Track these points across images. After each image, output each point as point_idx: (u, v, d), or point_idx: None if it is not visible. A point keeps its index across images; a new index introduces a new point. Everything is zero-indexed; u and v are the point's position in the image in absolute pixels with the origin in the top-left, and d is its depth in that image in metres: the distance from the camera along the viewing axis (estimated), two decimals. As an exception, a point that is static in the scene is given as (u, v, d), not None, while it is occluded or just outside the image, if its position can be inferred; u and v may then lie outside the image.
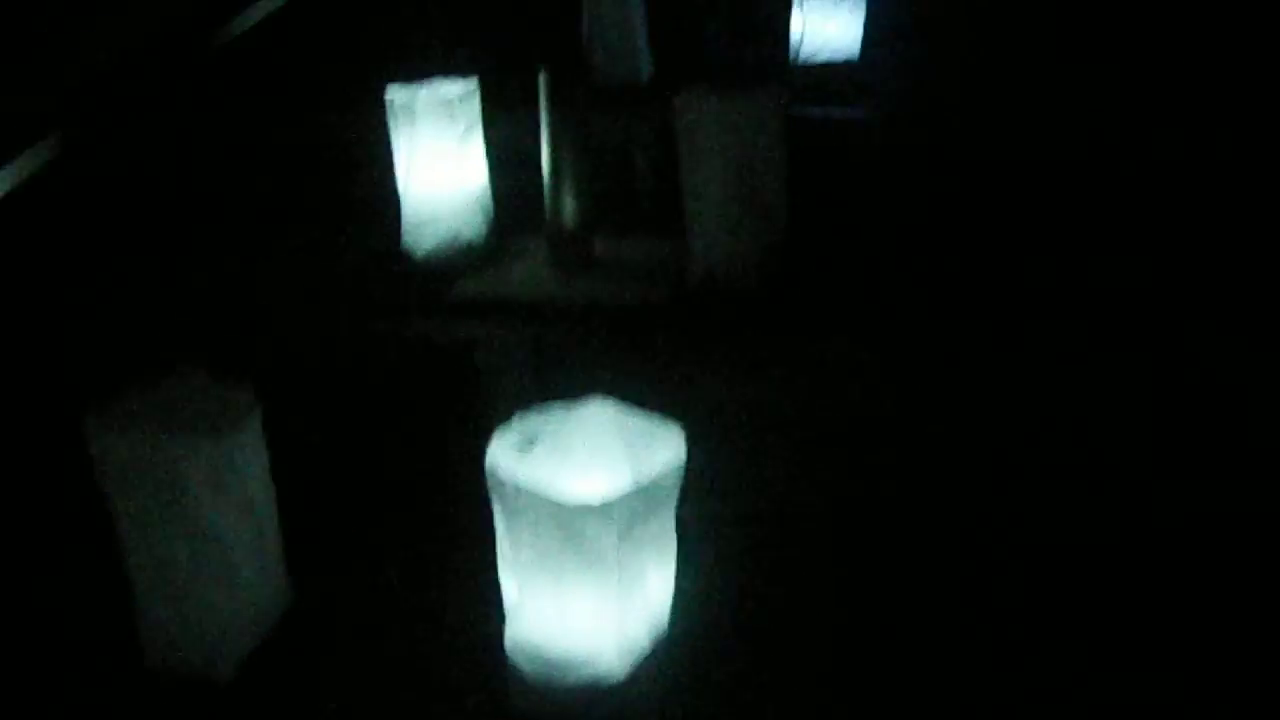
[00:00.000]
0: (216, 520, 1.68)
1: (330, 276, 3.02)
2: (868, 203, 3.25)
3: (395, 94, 2.98)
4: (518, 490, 1.54)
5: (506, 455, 1.57)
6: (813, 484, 2.17)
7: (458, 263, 3.06)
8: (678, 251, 2.94)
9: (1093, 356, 2.52)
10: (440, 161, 3.02)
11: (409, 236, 3.07)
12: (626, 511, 1.53)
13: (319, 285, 2.98)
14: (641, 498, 1.55)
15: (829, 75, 3.87)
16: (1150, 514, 2.02)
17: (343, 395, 2.52)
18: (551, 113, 2.89)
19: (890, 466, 2.21)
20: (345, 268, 3.05)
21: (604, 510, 1.50)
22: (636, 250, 3.09)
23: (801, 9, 3.84)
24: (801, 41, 3.86)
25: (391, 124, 2.99)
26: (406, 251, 3.06)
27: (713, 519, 1.95)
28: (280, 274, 3.06)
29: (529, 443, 1.59)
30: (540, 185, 2.99)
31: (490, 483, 1.55)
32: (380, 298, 2.94)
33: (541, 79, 2.87)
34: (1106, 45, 4.14)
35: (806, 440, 2.30)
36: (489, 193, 3.15)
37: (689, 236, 2.88)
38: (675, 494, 1.60)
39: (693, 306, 2.82)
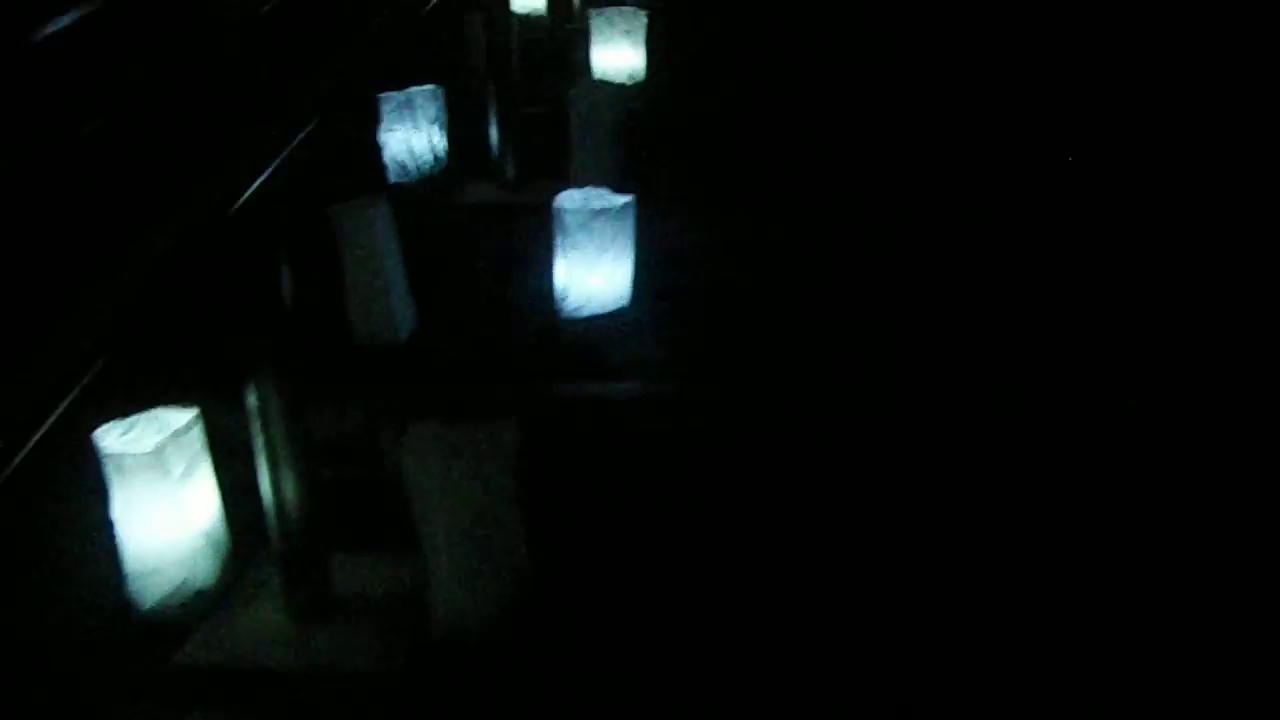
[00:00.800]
0: None
1: (38, 651, 2.75)
2: (634, 520, 3.04)
3: (104, 441, 2.78)
4: None
5: None
6: None
7: (187, 614, 2.83)
8: (421, 590, 2.76)
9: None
10: (160, 506, 2.80)
11: (131, 590, 2.83)
12: None
13: (22, 664, 2.71)
14: None
15: (597, 330, 3.75)
16: None
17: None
18: (270, 408, 2.68)
19: None
20: (58, 639, 2.77)
21: None
22: (380, 583, 2.91)
23: (565, 258, 3.71)
24: (567, 294, 3.73)
25: (103, 472, 2.77)
26: (129, 608, 2.82)
27: None
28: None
29: None
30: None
31: None
32: (97, 673, 2.68)
33: (257, 367, 2.65)
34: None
35: None
36: (222, 527, 2.94)
37: (426, 583, 2.72)
38: None
39: (431, 670, 2.64)
